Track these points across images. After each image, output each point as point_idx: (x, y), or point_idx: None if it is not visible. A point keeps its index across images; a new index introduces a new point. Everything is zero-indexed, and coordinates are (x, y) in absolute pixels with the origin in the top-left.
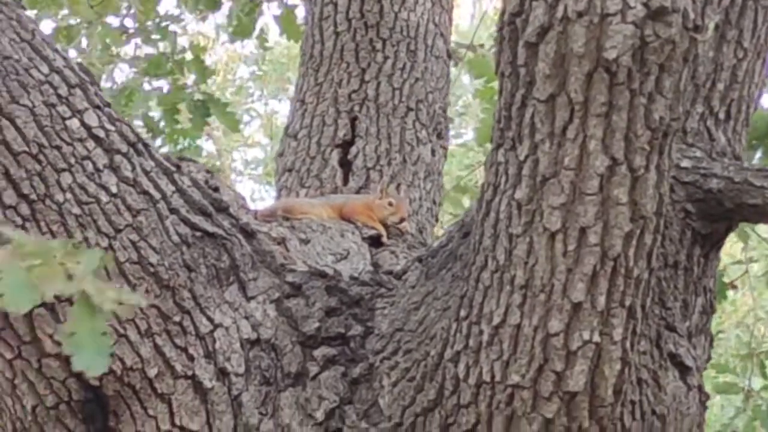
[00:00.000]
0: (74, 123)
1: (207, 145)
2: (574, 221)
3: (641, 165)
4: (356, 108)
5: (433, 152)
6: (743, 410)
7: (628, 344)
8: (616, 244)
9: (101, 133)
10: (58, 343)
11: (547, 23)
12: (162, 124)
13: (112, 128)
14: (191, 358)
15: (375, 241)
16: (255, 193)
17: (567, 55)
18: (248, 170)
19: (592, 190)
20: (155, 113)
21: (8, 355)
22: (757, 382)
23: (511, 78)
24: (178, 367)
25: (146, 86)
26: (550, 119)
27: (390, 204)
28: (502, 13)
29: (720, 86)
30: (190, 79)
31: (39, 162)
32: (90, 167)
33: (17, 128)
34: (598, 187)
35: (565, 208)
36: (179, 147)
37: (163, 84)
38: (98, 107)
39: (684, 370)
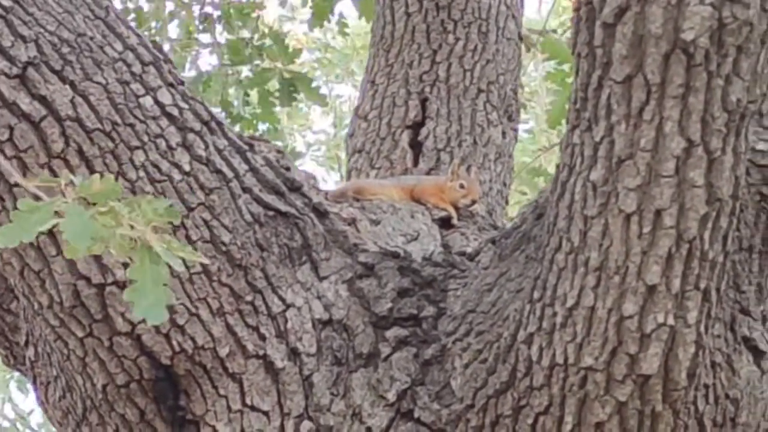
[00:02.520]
0: (148, 101)
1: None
2: (649, 203)
3: (718, 147)
4: (427, 89)
5: (503, 134)
6: None
7: (702, 327)
8: (692, 227)
9: (174, 111)
10: (130, 322)
11: (625, 4)
12: (239, 109)
13: (186, 106)
14: (263, 338)
15: (445, 223)
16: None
17: (644, 36)
18: (311, 152)
19: (668, 172)
20: (234, 100)
21: (79, 333)
22: None
23: (588, 59)
24: (250, 347)
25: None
26: (627, 100)
27: (461, 186)
28: None
29: None
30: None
31: (112, 140)
32: (163, 145)
33: (91, 106)
34: (674, 169)
35: (640, 190)
36: (259, 131)
37: (243, 69)
38: (172, 85)
39: (758, 354)
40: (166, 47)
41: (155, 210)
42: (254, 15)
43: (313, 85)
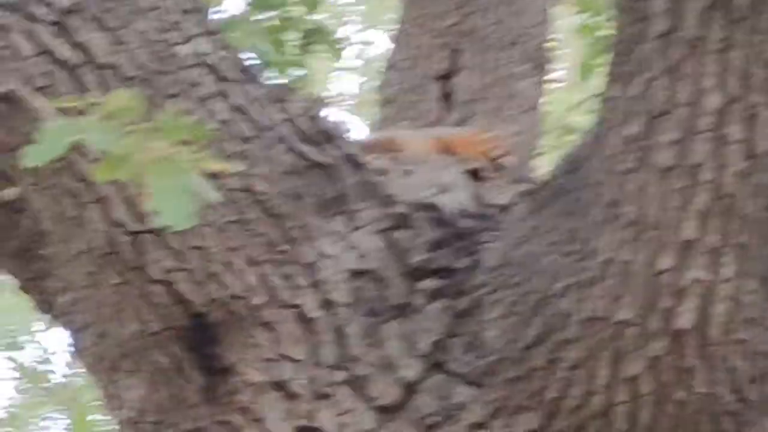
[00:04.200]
0: (185, 49)
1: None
2: (686, 158)
3: (757, 102)
4: (458, 41)
5: (534, 86)
6: None
7: (738, 283)
8: (729, 182)
9: (211, 60)
10: (165, 269)
11: None
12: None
13: (222, 54)
14: (296, 287)
15: (476, 175)
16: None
17: None
18: (340, 100)
19: (706, 127)
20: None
21: (113, 281)
22: None
23: (627, 12)
24: (284, 296)
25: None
26: (665, 55)
27: (493, 137)
28: None
29: None
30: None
31: (149, 87)
32: (200, 93)
33: (128, 53)
34: (712, 124)
35: (678, 145)
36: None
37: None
38: (210, 33)
39: None
40: None
41: (184, 123)
42: None
43: (333, 37)
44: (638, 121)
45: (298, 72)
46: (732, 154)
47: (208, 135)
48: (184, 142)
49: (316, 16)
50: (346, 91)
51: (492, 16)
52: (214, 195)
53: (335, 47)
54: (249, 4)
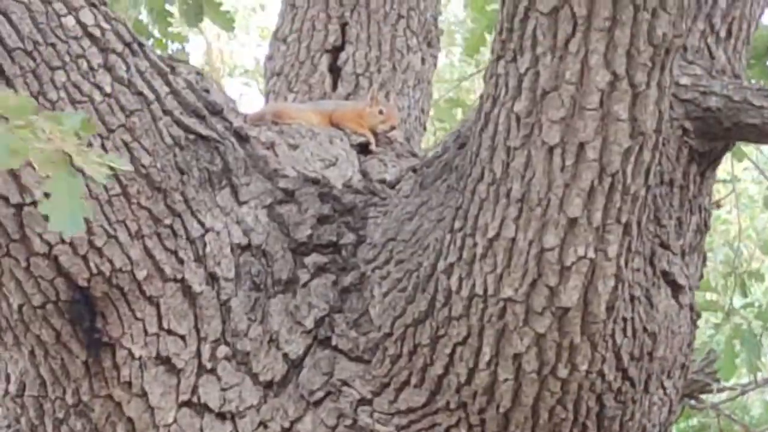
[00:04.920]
0: (70, 21)
1: (198, 43)
2: (573, 136)
3: (642, 81)
4: (347, 14)
5: (423, 60)
6: (722, 328)
7: (622, 261)
8: (615, 160)
9: (97, 32)
10: (47, 242)
11: None
12: (151, 27)
13: (108, 27)
14: (181, 262)
15: (363, 149)
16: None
17: None
18: (237, 72)
19: (593, 105)
20: (144, 17)
21: None
22: (739, 301)
23: None
24: (168, 270)
25: None
26: (553, 32)
27: (380, 112)
28: None
29: (722, 3)
30: None
31: (33, 59)
32: (84, 66)
33: (12, 24)
34: (598, 102)
35: (564, 123)
36: (169, 53)
37: None
38: (94, 5)
39: (676, 289)
40: None
41: (72, 123)
42: None
43: (222, 8)
44: (525, 98)
45: (180, 43)
46: (618, 132)
47: (95, 130)
48: (74, 141)
49: None
50: (246, 60)
51: None
52: (101, 176)
53: (225, 18)
54: None
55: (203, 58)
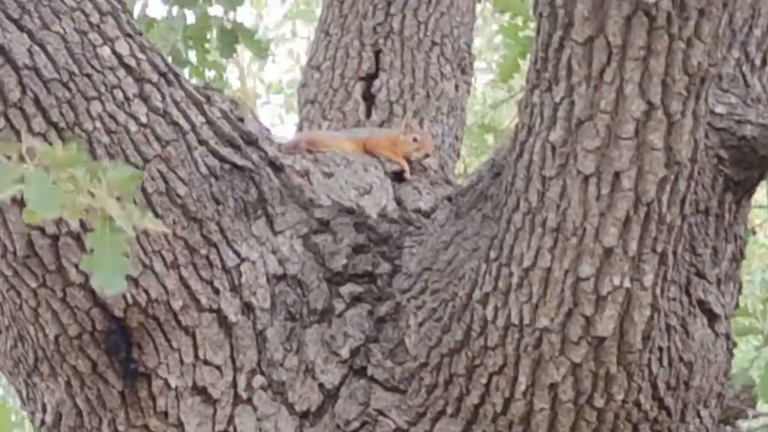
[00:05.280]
0: (105, 51)
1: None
2: (608, 165)
3: (678, 110)
4: (381, 41)
5: (456, 88)
6: (762, 351)
7: (658, 290)
8: (650, 190)
9: (132, 62)
10: (83, 273)
11: None
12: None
13: (143, 57)
14: (217, 292)
15: (398, 176)
16: (278, 117)
17: None
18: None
19: (628, 135)
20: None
21: (32, 284)
22: None
23: (549, 19)
24: (204, 300)
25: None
26: (588, 62)
27: (415, 139)
28: None
29: (757, 32)
30: (217, 9)
31: (69, 89)
32: (120, 96)
33: (48, 55)
34: (633, 132)
35: (599, 152)
36: (206, 80)
37: (189, 14)
38: (129, 35)
39: (712, 318)
40: None
41: (118, 177)
42: None
43: (255, 37)
44: (560, 127)
45: (217, 72)
46: (653, 162)
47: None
48: (119, 198)
49: (237, 15)
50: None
51: (415, 17)
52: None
53: (258, 47)
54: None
55: (238, 81)
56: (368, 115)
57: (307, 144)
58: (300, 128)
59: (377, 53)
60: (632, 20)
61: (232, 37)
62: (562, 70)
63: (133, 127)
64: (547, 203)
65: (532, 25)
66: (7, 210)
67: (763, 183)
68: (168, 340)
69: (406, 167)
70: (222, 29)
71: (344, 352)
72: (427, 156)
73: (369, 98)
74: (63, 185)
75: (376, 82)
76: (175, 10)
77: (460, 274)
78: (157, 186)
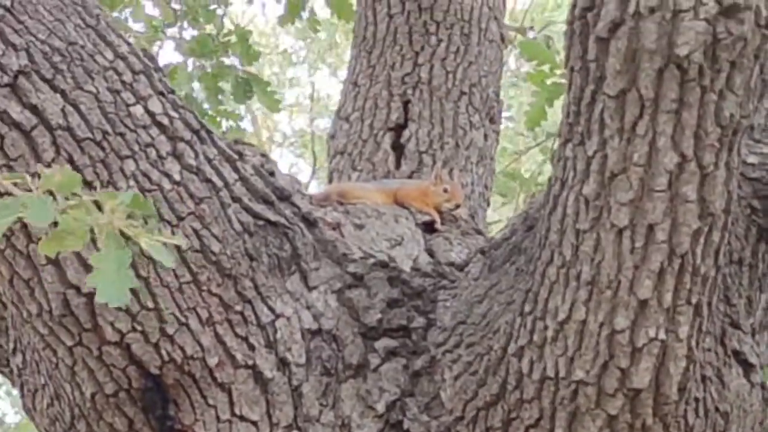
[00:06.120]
0: (138, 110)
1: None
2: (642, 218)
3: (711, 162)
4: (409, 91)
5: (485, 137)
6: None
7: (693, 342)
8: (684, 242)
9: (165, 120)
10: (119, 331)
11: (619, 18)
12: (205, 105)
13: (176, 115)
14: (252, 348)
15: (428, 227)
16: (293, 166)
17: (638, 50)
18: (287, 142)
19: (661, 187)
20: (198, 94)
21: (68, 342)
22: None
23: (581, 73)
24: (239, 357)
25: (189, 65)
26: (620, 115)
27: (445, 190)
28: (573, 8)
29: None
30: (234, 59)
31: (102, 149)
32: (153, 154)
33: (81, 114)
34: (666, 184)
35: (633, 205)
36: (222, 129)
37: (207, 64)
38: (162, 94)
39: (747, 368)
40: (130, 39)
41: (123, 199)
42: (219, 12)
43: (269, 89)
44: (593, 181)
45: (234, 121)
46: (687, 214)
47: (149, 207)
48: (128, 216)
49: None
50: (296, 131)
51: (443, 67)
52: (168, 261)
53: (272, 100)
54: (186, 52)
55: (252, 128)
56: (398, 165)
57: (337, 195)
58: (330, 180)
59: (406, 103)
60: (664, 73)
61: (247, 85)
62: (594, 124)
63: (166, 185)
64: (582, 256)
65: (558, 71)
66: (42, 269)
67: None
68: (204, 397)
69: (437, 218)
70: (237, 80)
71: (380, 407)
72: (457, 206)
73: (398, 148)
74: (73, 212)
75: (405, 133)
76: (191, 61)
77: (494, 328)
78: (192, 243)
